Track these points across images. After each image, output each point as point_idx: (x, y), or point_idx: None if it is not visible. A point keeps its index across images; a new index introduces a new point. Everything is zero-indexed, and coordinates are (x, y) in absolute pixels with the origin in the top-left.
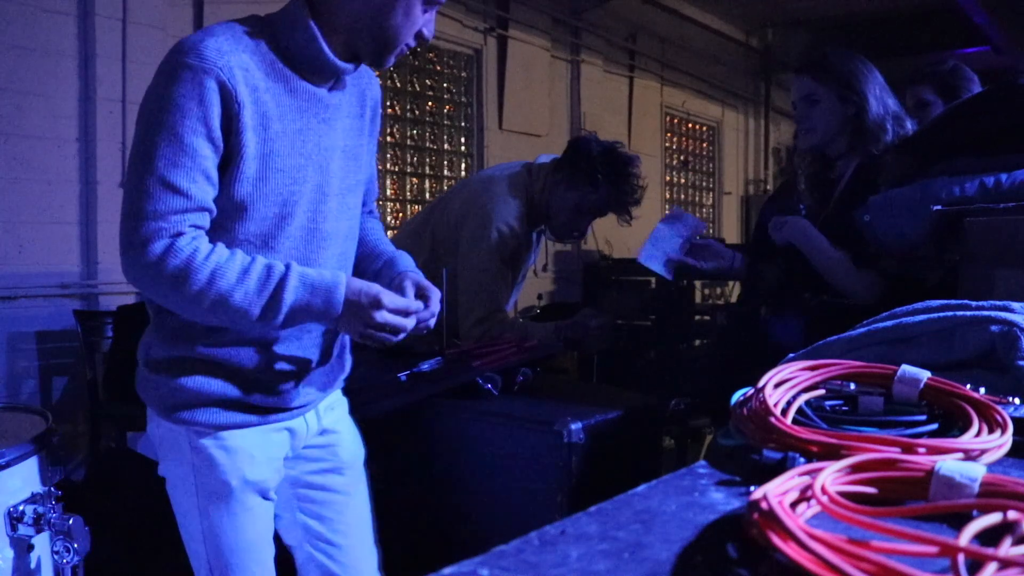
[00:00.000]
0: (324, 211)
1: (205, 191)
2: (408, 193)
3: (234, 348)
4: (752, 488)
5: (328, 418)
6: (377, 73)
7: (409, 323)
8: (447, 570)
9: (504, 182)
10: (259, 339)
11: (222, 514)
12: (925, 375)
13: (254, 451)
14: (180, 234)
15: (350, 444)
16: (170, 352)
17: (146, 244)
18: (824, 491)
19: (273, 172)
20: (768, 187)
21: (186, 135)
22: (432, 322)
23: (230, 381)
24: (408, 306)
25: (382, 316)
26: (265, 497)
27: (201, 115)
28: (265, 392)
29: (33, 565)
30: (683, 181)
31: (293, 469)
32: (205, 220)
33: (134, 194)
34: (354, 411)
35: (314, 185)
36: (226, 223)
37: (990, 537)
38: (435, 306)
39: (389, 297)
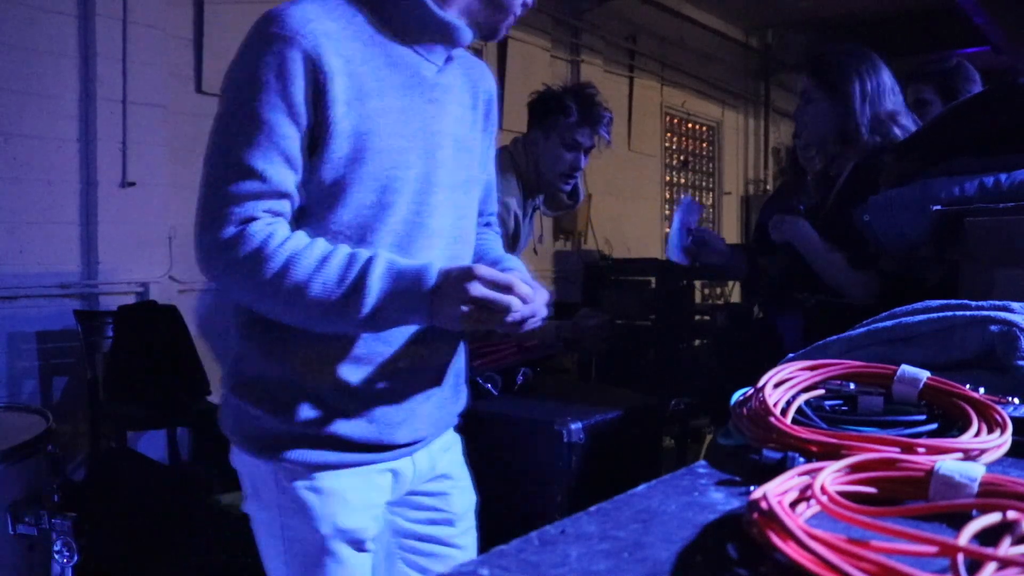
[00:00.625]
0: (431, 204)
1: (284, 175)
2: None
3: (335, 370)
4: (752, 488)
5: (443, 461)
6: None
7: (513, 300)
8: (448, 571)
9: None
10: (364, 359)
11: (310, 564)
12: (925, 375)
13: (349, 495)
14: (253, 219)
15: (465, 492)
16: (262, 372)
17: (218, 230)
18: (824, 491)
19: (371, 153)
20: (768, 187)
21: (263, 112)
22: (536, 322)
23: (327, 412)
24: (510, 282)
25: (477, 289)
26: (360, 548)
27: (280, 89)
28: (367, 426)
29: (33, 564)
30: (683, 181)
31: (397, 516)
32: (284, 207)
33: (208, 177)
34: None
35: (419, 173)
36: (318, 210)
37: (989, 537)
38: (541, 307)
39: (484, 269)
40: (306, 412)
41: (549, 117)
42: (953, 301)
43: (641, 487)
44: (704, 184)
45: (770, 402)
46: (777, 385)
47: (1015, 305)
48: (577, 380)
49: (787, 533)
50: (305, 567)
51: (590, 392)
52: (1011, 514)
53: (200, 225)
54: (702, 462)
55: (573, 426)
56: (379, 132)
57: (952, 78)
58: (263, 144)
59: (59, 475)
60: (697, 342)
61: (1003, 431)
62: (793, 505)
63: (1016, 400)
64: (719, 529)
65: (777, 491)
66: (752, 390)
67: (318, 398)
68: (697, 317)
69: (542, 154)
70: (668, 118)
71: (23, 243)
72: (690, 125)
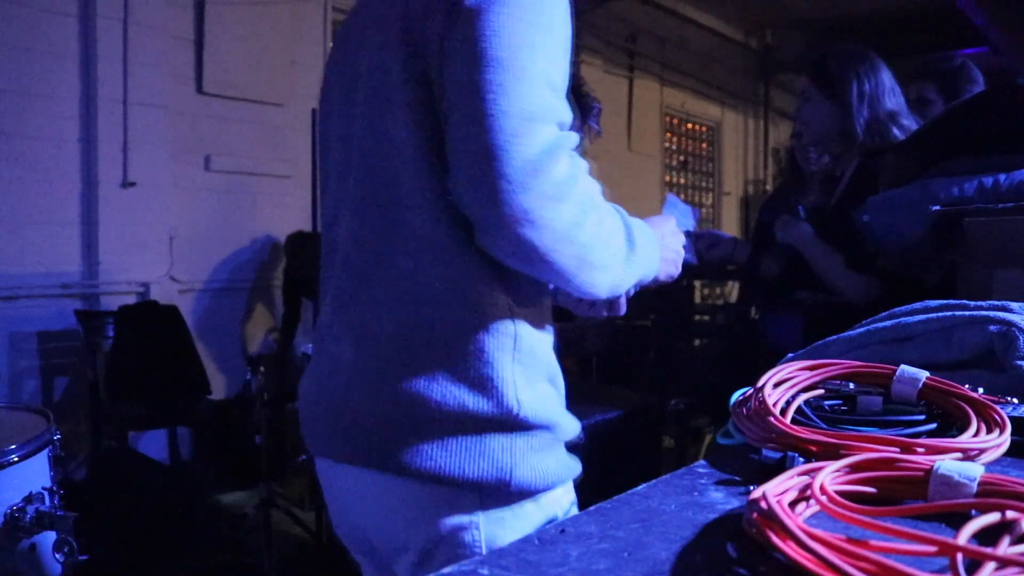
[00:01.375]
0: None
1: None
2: None
3: (554, 358)
4: (751, 488)
5: None
6: None
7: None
8: (447, 570)
9: None
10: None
11: None
12: (924, 375)
13: None
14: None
15: None
16: (533, 372)
17: (548, 157)
18: (823, 491)
19: None
20: (768, 187)
21: (562, 36)
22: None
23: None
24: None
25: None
26: None
27: (567, 18)
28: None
29: (33, 564)
30: (683, 181)
31: None
32: None
33: (508, 94)
34: None
35: None
36: None
37: (988, 536)
38: None
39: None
40: (566, 419)
41: None
42: (952, 301)
43: (641, 487)
44: (704, 184)
45: (770, 402)
46: (777, 385)
47: (1014, 305)
48: (577, 380)
49: (786, 533)
50: None
51: (590, 392)
52: (1010, 514)
53: (518, 159)
54: (702, 462)
55: None
56: None
57: (955, 78)
58: (564, 70)
59: (59, 475)
60: (697, 342)
61: (1002, 431)
62: (792, 505)
63: (1015, 400)
64: (719, 529)
65: (776, 491)
66: (752, 390)
67: (558, 390)
68: (697, 317)
69: None
70: (668, 118)
71: (24, 243)
72: (690, 125)
